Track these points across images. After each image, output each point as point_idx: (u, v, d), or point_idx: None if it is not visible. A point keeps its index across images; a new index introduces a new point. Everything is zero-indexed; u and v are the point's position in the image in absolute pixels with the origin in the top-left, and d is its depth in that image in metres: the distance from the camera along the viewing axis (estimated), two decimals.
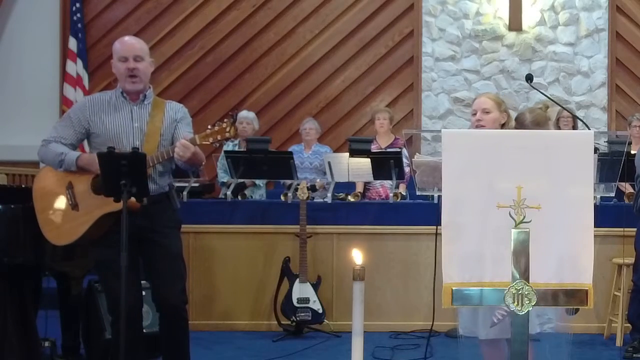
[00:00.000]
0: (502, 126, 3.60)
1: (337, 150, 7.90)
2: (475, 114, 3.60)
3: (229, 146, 7.01)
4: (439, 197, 3.05)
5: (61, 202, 3.79)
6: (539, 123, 3.88)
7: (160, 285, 3.83)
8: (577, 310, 3.22)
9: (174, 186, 4.04)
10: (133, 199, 3.60)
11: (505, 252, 2.47)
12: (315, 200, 6.53)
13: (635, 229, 5.24)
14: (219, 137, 3.67)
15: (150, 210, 3.76)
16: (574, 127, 6.98)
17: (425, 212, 5.97)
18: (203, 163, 3.92)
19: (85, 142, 4.03)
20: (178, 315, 3.88)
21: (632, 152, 5.57)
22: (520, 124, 3.88)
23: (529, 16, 8.52)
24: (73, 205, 3.78)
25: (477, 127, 3.58)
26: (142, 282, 3.99)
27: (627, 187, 6.19)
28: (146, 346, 3.99)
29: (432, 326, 4.26)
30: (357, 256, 2.56)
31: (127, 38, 3.92)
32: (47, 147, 3.84)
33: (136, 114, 3.83)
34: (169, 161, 3.81)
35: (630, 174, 5.16)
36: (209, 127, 3.70)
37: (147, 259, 3.86)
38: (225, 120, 3.71)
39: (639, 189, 5.11)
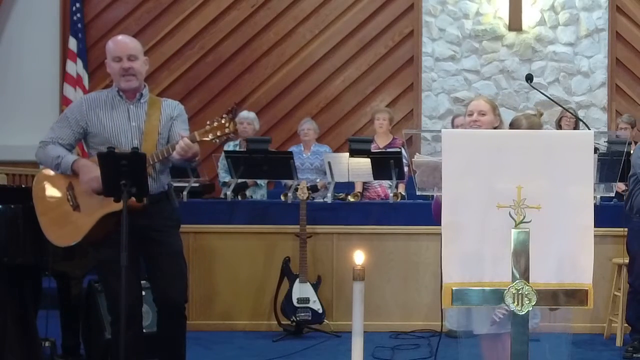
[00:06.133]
0: (495, 129, 3.66)
1: (337, 150, 7.90)
2: (471, 115, 3.64)
3: (229, 146, 7.02)
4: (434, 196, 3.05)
5: (62, 204, 3.78)
6: (534, 129, 3.94)
7: (161, 283, 3.84)
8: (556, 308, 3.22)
9: (172, 185, 4.03)
10: (134, 198, 3.60)
11: (505, 252, 2.47)
12: (315, 200, 6.53)
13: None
14: (218, 133, 3.67)
15: (150, 209, 3.75)
16: (576, 128, 6.99)
17: (425, 212, 5.93)
18: (197, 158, 3.90)
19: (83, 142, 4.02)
20: (178, 313, 3.89)
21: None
22: (516, 129, 3.93)
23: (529, 16, 8.52)
24: (74, 206, 3.78)
25: (472, 127, 3.64)
26: (142, 282, 4.00)
27: (619, 187, 6.16)
28: (146, 346, 3.98)
29: (441, 327, 4.26)
30: (359, 257, 2.56)
31: (120, 37, 3.90)
32: (44, 149, 3.82)
33: (133, 112, 3.82)
34: (167, 159, 3.80)
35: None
36: (208, 123, 3.70)
37: (148, 257, 3.86)
38: (224, 116, 3.70)
39: (632, 189, 5.12)
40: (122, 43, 3.83)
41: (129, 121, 3.81)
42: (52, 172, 3.87)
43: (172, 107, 3.92)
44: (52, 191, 3.82)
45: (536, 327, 3.40)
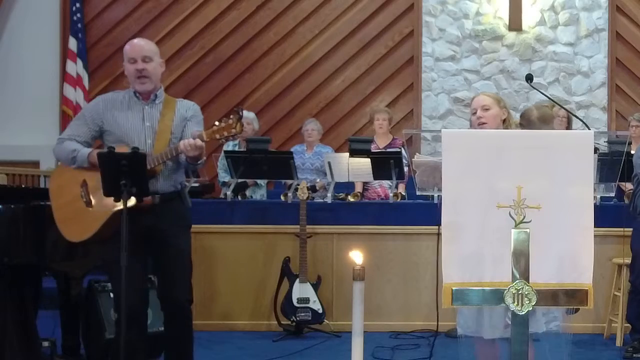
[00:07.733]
0: (503, 122, 3.56)
1: (337, 150, 7.89)
2: (475, 113, 3.57)
3: (229, 146, 7.01)
4: (439, 197, 3.04)
5: (76, 200, 3.82)
6: (545, 120, 3.88)
7: (165, 282, 3.88)
8: (577, 310, 3.22)
9: (185, 185, 4.08)
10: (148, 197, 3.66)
11: (505, 252, 2.47)
12: (315, 200, 6.53)
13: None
14: (225, 134, 3.72)
15: (160, 208, 3.80)
16: (568, 128, 6.98)
17: (425, 212, 5.97)
18: (203, 159, 3.94)
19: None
20: (183, 314, 3.92)
21: (632, 152, 5.57)
22: (526, 119, 3.88)
23: (529, 16, 8.52)
24: (87, 202, 3.83)
25: (478, 124, 3.55)
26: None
27: (627, 186, 6.18)
28: (151, 346, 4.01)
29: (437, 326, 4.26)
30: (357, 257, 2.56)
31: (136, 40, 3.98)
32: (61, 145, 3.90)
33: (147, 113, 3.88)
34: (177, 158, 3.84)
35: (630, 174, 5.15)
36: (216, 123, 3.74)
37: (155, 256, 3.90)
38: (231, 116, 3.74)
39: (635, 189, 5.12)
40: (137, 45, 3.90)
41: (143, 122, 3.87)
42: (66, 169, 3.92)
43: (186, 108, 3.98)
44: (66, 187, 3.87)
45: (558, 330, 3.39)
